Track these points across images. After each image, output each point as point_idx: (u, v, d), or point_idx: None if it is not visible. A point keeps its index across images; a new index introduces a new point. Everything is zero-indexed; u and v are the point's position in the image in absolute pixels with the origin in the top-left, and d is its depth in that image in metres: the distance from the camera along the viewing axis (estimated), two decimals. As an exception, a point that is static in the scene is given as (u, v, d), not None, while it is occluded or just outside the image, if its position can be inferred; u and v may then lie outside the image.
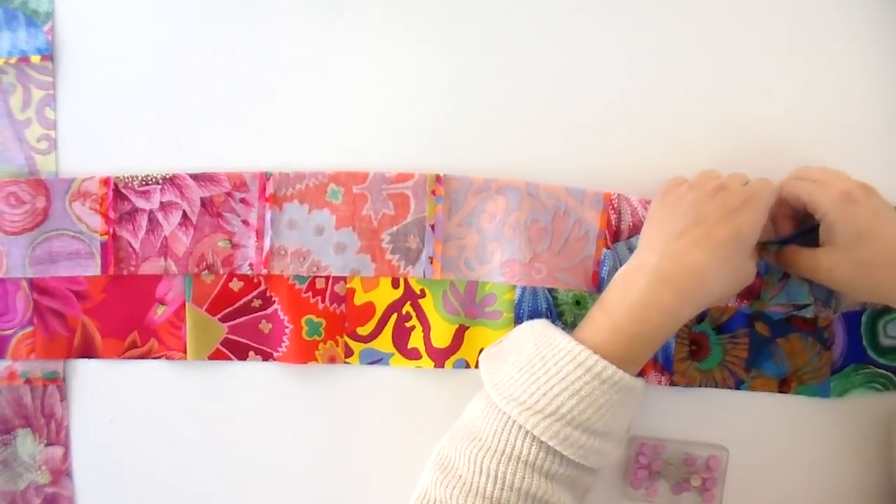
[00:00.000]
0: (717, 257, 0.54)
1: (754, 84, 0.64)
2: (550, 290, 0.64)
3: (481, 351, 0.63)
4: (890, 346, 0.65)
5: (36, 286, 0.65)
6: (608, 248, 0.64)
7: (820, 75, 0.64)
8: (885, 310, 0.65)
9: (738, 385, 0.65)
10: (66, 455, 0.67)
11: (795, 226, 0.61)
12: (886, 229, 0.55)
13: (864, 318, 0.65)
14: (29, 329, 0.66)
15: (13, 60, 0.65)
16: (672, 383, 0.65)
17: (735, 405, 0.65)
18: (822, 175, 0.59)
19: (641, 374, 0.63)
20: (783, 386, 0.65)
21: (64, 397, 0.67)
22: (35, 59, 0.65)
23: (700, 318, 0.64)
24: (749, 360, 0.65)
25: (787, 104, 0.64)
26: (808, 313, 0.64)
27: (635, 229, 0.63)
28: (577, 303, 0.64)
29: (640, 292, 0.54)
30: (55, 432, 0.67)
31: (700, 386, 0.65)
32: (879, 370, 0.65)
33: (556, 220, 0.64)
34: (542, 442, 0.51)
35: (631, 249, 0.63)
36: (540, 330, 0.56)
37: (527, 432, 0.51)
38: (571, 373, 0.51)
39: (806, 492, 0.66)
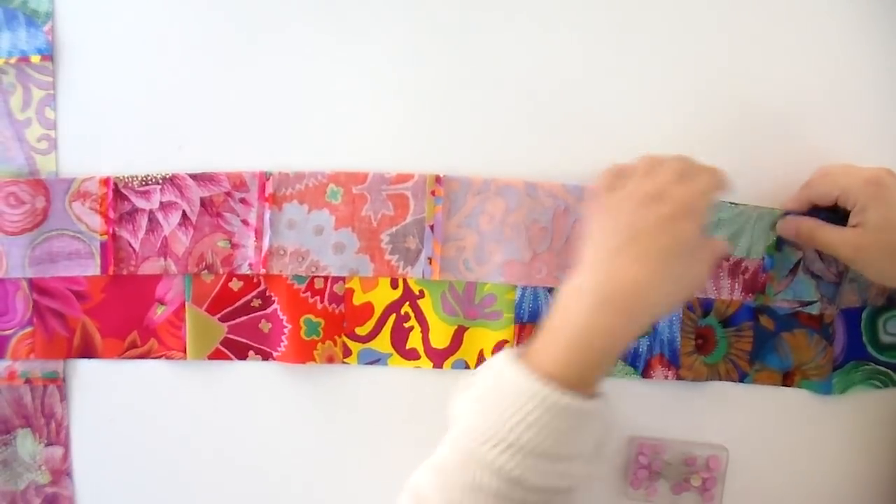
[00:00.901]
0: (658, 272, 0.52)
1: (752, 80, 0.64)
2: (551, 290, 0.64)
3: (480, 352, 0.64)
4: (890, 343, 0.65)
5: (36, 286, 0.65)
6: None
7: (820, 71, 0.64)
8: (886, 307, 0.65)
9: (742, 378, 0.65)
10: (66, 455, 0.67)
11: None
12: None
13: (864, 315, 0.65)
14: (29, 329, 0.65)
15: (13, 60, 0.65)
16: (679, 377, 0.64)
17: (735, 402, 0.65)
18: (845, 168, 0.61)
19: (648, 370, 0.64)
20: (787, 379, 0.65)
21: (64, 397, 0.67)
22: (35, 58, 0.65)
23: (706, 312, 0.65)
24: (753, 353, 0.65)
25: (787, 101, 0.64)
26: (813, 310, 0.64)
27: None
28: None
29: (582, 317, 0.51)
30: (55, 432, 0.67)
31: (707, 380, 0.65)
32: (879, 367, 0.66)
33: (556, 218, 0.64)
34: (506, 472, 0.49)
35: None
36: (496, 360, 0.54)
37: (489, 462, 0.50)
38: (525, 404, 0.50)
39: (806, 491, 0.66)
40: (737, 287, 0.64)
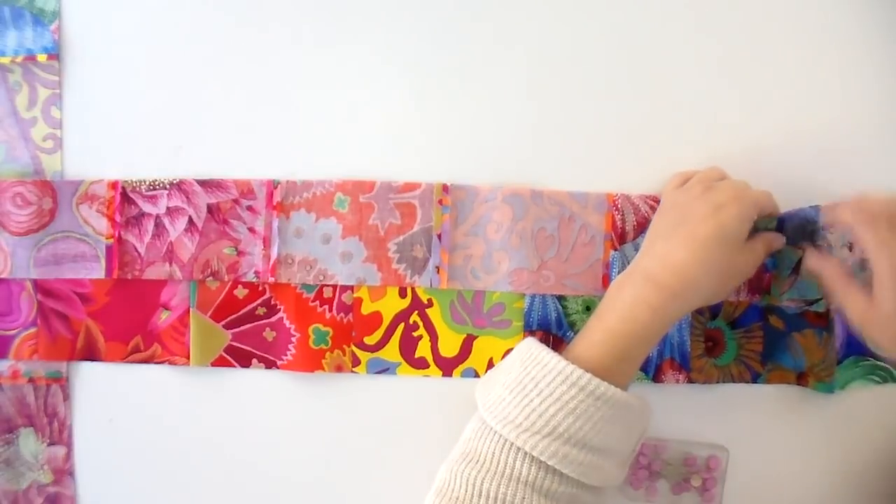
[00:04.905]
0: (701, 256, 0.54)
1: (754, 83, 0.64)
2: (560, 298, 0.64)
3: (490, 361, 0.64)
4: None
5: (40, 287, 0.65)
6: (615, 250, 0.64)
7: (821, 74, 0.64)
8: None
9: (755, 379, 0.65)
10: (69, 455, 0.67)
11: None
12: None
13: None
14: (32, 330, 0.65)
15: (19, 59, 0.64)
16: (690, 380, 0.64)
17: (735, 402, 0.65)
18: (878, 212, 0.53)
19: (659, 374, 0.64)
20: (801, 379, 0.64)
21: (67, 397, 0.66)
22: (41, 57, 0.64)
23: (714, 314, 0.65)
24: (764, 354, 0.65)
25: (788, 104, 0.64)
26: (819, 308, 0.63)
27: (640, 227, 0.64)
28: (588, 309, 0.64)
29: (628, 294, 0.55)
30: (58, 432, 0.67)
31: (718, 382, 0.65)
32: (879, 362, 0.65)
33: (562, 226, 0.64)
34: (541, 462, 0.50)
35: (638, 250, 0.63)
36: (526, 349, 0.55)
37: (525, 453, 0.50)
38: (565, 392, 0.51)
39: (806, 490, 0.66)
40: (742, 288, 0.64)
